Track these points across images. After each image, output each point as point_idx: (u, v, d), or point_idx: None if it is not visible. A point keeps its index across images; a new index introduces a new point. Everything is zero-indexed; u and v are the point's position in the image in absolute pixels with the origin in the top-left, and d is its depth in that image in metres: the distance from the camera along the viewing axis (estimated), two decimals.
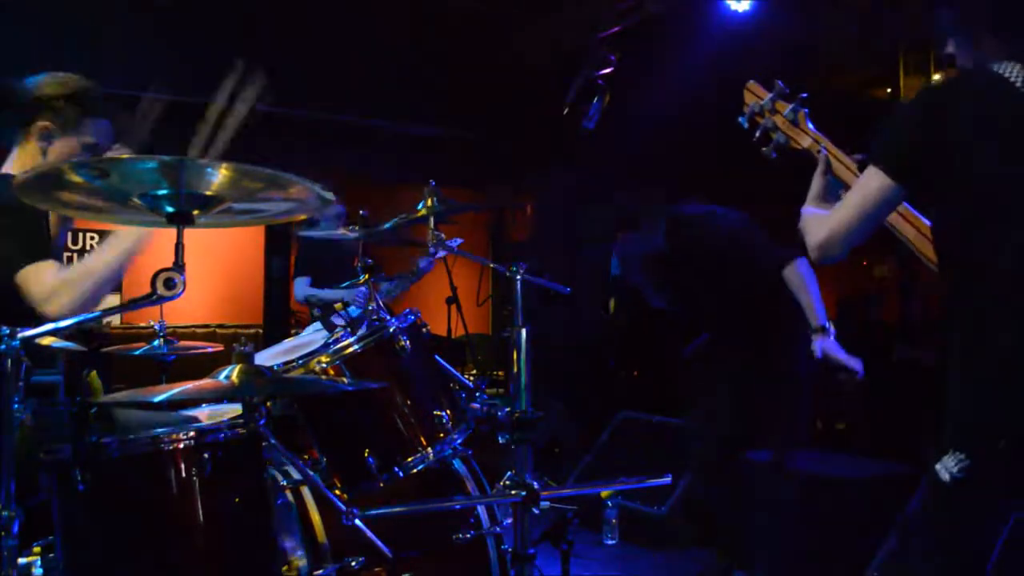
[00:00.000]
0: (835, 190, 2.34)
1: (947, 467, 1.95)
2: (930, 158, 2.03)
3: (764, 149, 2.47)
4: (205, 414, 2.79)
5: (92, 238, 8.53)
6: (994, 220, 2.01)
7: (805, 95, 2.43)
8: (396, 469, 2.49)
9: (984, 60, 2.09)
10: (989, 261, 2.00)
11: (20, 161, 2.61)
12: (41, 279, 2.33)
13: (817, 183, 2.35)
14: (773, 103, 2.45)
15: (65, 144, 2.60)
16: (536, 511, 2.43)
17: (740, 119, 2.52)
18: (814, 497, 3.95)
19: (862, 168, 2.22)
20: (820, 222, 2.19)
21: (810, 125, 2.42)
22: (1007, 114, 2.03)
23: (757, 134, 2.49)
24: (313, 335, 3.20)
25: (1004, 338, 1.96)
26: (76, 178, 1.65)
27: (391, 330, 2.56)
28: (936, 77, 5.92)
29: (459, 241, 4.95)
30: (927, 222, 2.22)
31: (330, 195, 1.78)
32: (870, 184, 2.07)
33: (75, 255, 8.01)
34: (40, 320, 2.23)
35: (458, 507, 2.72)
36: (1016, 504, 2.06)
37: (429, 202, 2.82)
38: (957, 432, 1.99)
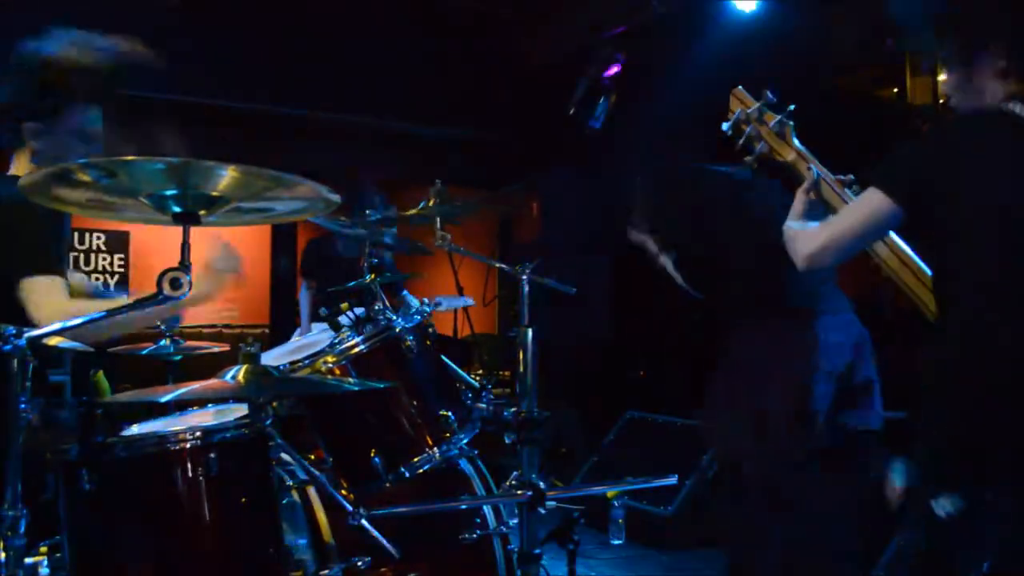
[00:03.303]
0: (818, 210, 2.35)
1: (942, 506, 1.99)
2: (931, 189, 2.06)
3: (747, 158, 2.47)
4: (211, 414, 2.80)
5: (98, 238, 8.54)
6: (979, 255, 2.04)
7: (793, 107, 2.43)
8: (402, 469, 2.49)
9: (984, 98, 2.12)
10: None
11: (20, 164, 2.61)
12: (45, 294, 2.32)
13: (800, 200, 2.36)
14: (760, 113, 2.45)
15: (54, 143, 2.58)
16: (542, 511, 2.43)
17: (724, 125, 2.51)
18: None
19: (852, 187, 2.24)
20: (811, 234, 2.23)
21: (795, 140, 2.42)
22: (1015, 154, 2.06)
23: (740, 142, 2.48)
24: (319, 335, 3.20)
25: (974, 390, 2.00)
26: (84, 177, 1.65)
27: (397, 330, 2.56)
28: (942, 77, 5.91)
29: (470, 301, 5.03)
30: (928, 272, 2.23)
31: (335, 196, 1.78)
32: (871, 203, 2.12)
33: (81, 255, 8.04)
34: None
35: (464, 507, 2.71)
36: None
37: (432, 201, 2.82)
38: (947, 480, 2.03)
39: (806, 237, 2.24)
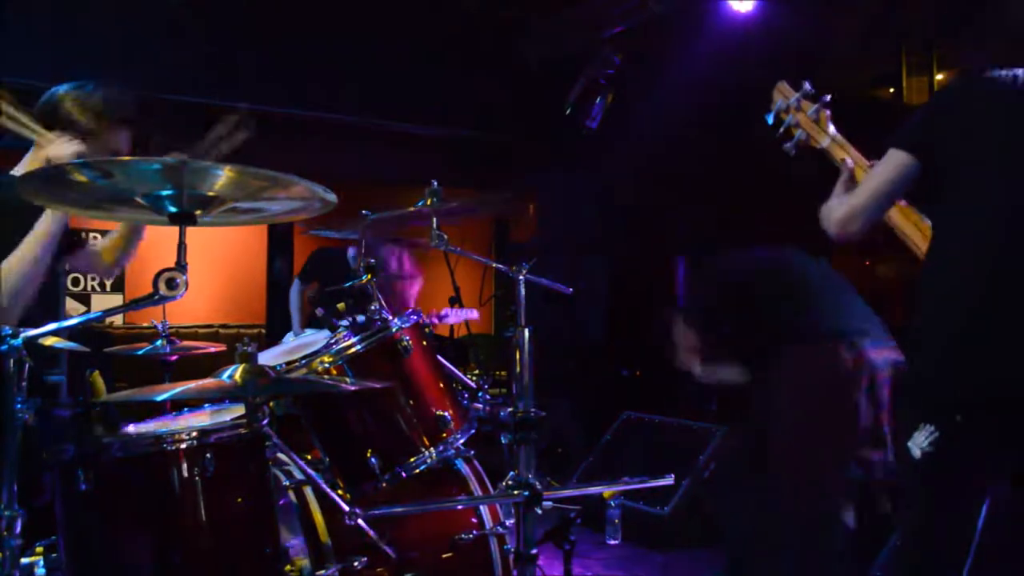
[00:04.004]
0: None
1: (918, 443, 2.06)
2: (940, 138, 2.18)
3: (786, 145, 2.58)
4: (208, 414, 2.80)
5: (95, 237, 8.53)
6: (968, 204, 2.13)
7: (828, 98, 2.55)
8: (399, 469, 2.49)
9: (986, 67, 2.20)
10: (955, 247, 2.14)
11: (32, 164, 2.62)
12: None
13: (839, 190, 2.45)
14: (799, 102, 2.57)
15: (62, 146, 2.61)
16: (538, 511, 2.43)
17: (767, 116, 2.64)
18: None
19: None
20: (840, 203, 2.32)
21: (831, 126, 2.54)
22: (1003, 110, 2.15)
23: (780, 130, 2.61)
24: (316, 335, 3.20)
25: (958, 316, 2.09)
26: (80, 177, 1.65)
27: (394, 330, 2.56)
28: (939, 77, 5.92)
29: (474, 314, 5.05)
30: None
31: (332, 195, 1.79)
32: (889, 161, 2.22)
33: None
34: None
35: (461, 507, 2.72)
36: (993, 480, 2.13)
37: (429, 201, 2.82)
38: (921, 406, 2.11)
39: (837, 205, 2.33)
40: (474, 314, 5.41)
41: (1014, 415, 2.03)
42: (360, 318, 2.72)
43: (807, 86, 2.60)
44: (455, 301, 5.84)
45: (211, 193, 1.69)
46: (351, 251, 5.17)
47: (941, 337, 2.12)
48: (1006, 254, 2.08)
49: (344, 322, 2.69)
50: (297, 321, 5.19)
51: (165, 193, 1.67)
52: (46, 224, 2.44)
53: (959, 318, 2.10)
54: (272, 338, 6.21)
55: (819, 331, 3.22)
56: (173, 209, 1.71)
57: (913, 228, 2.34)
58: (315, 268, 5.40)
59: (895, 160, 2.21)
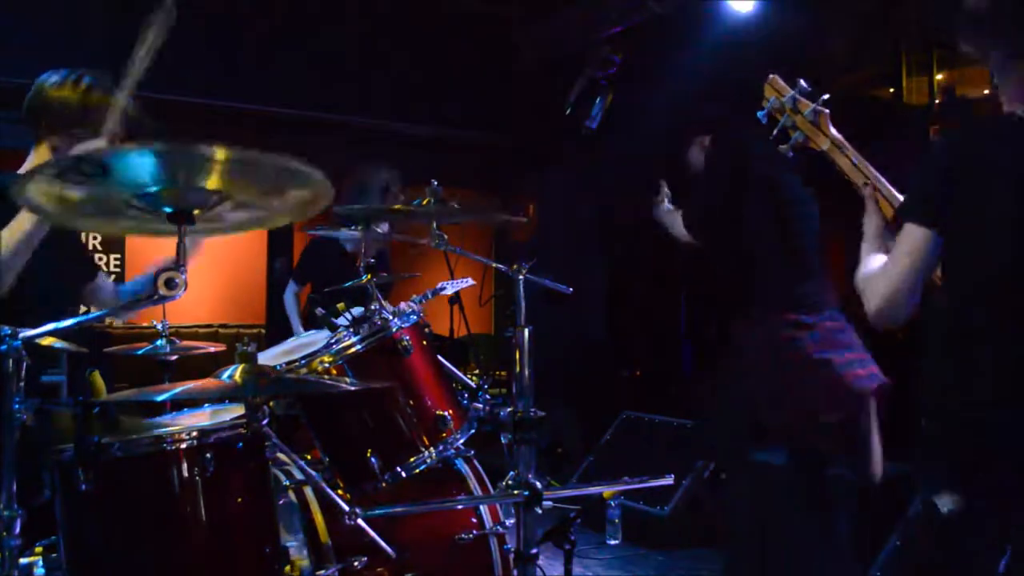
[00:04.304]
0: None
1: (944, 503, 1.99)
2: (953, 202, 2.02)
3: (782, 147, 2.43)
4: (207, 414, 2.79)
5: (95, 238, 8.53)
6: (988, 259, 2.02)
7: (827, 96, 2.41)
8: (399, 469, 2.49)
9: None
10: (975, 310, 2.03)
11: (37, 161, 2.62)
12: None
13: (872, 223, 2.28)
14: (794, 101, 2.42)
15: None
16: (538, 511, 2.42)
17: (759, 113, 2.49)
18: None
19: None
20: (874, 288, 2.13)
21: (831, 128, 2.39)
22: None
23: (775, 131, 2.46)
24: (316, 335, 3.20)
25: (980, 389, 1.99)
26: (75, 177, 1.64)
27: (393, 330, 2.55)
28: (939, 77, 5.91)
29: (470, 282, 5.07)
30: None
31: (332, 196, 1.78)
32: (912, 240, 2.05)
33: None
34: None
35: (461, 507, 2.71)
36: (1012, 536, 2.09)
37: (426, 201, 2.81)
38: (947, 469, 2.04)
39: (871, 292, 2.14)
40: (469, 281, 5.38)
41: None
42: (357, 310, 2.71)
43: (803, 84, 2.44)
44: (455, 301, 5.84)
45: (209, 186, 1.67)
46: (348, 243, 5.10)
47: (958, 413, 2.03)
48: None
49: (343, 320, 2.68)
50: (297, 324, 5.16)
51: (159, 188, 1.65)
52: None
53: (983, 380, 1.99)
54: (272, 338, 6.20)
55: (780, 301, 3.34)
56: (170, 209, 1.70)
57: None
58: (309, 266, 5.34)
59: (916, 238, 2.05)
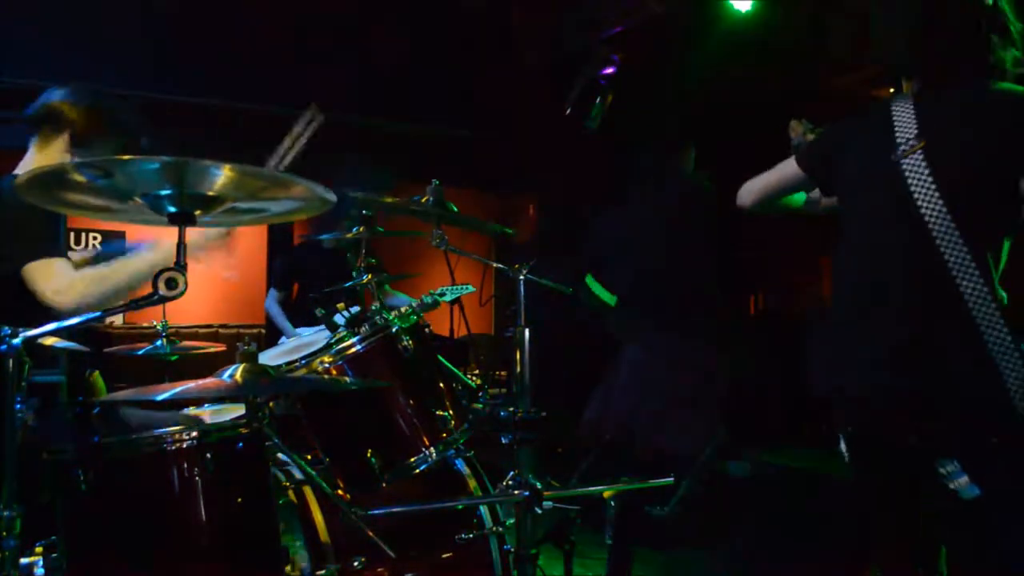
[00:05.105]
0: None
1: (842, 447, 2.26)
2: (826, 166, 2.38)
3: None
4: (208, 414, 2.80)
5: (95, 238, 8.53)
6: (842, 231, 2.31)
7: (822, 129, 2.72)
8: (399, 469, 2.49)
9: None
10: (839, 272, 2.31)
11: (35, 163, 2.62)
12: (53, 272, 2.37)
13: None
14: (804, 136, 2.80)
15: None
16: (539, 511, 2.43)
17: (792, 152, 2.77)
18: (814, 497, 3.95)
19: None
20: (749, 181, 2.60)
21: None
22: (872, 140, 2.26)
23: None
24: (316, 335, 3.20)
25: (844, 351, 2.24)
26: (79, 178, 1.65)
27: (394, 330, 2.56)
28: None
29: (469, 289, 5.12)
30: None
31: (331, 195, 1.78)
32: (786, 164, 2.48)
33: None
34: (43, 316, 2.23)
35: (461, 507, 2.71)
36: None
37: (424, 199, 2.81)
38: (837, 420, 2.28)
39: (745, 185, 2.61)
40: (469, 288, 5.41)
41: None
42: (354, 309, 2.72)
43: (806, 122, 2.83)
44: (455, 301, 5.84)
45: (211, 193, 1.69)
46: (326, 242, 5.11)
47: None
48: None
49: (340, 319, 2.69)
50: (288, 328, 5.16)
51: (164, 193, 1.67)
52: (150, 258, 2.47)
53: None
54: (272, 338, 6.21)
55: None
56: (172, 209, 1.71)
57: None
58: (291, 271, 5.35)
59: (789, 165, 2.47)
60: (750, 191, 2.58)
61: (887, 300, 2.10)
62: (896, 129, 2.17)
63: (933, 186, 2.05)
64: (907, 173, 2.10)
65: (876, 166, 2.18)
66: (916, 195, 2.07)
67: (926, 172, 2.07)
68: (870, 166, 2.22)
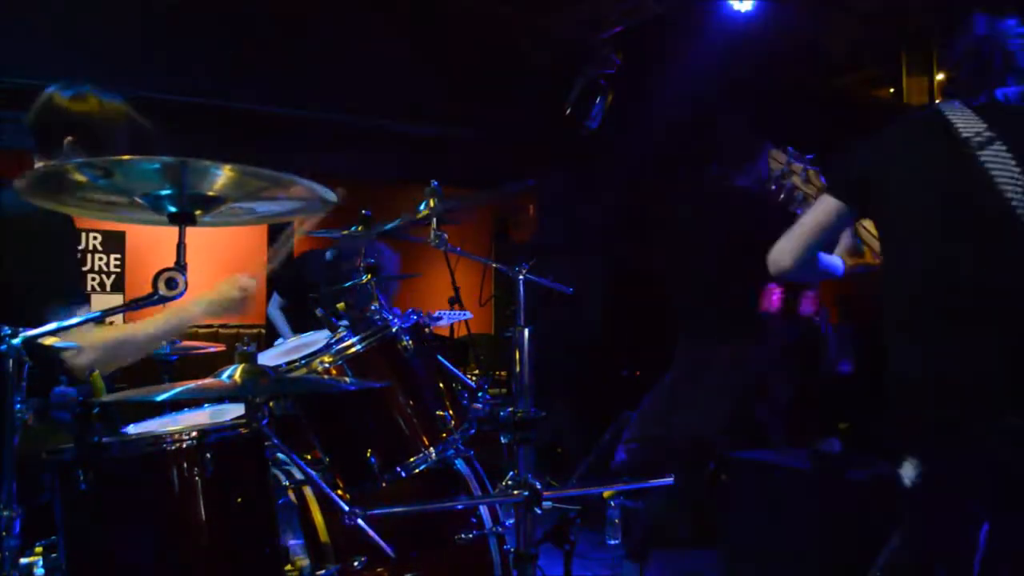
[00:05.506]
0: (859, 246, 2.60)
1: (907, 473, 2.15)
2: (869, 187, 2.29)
3: (791, 207, 2.64)
4: (207, 414, 2.80)
5: (95, 238, 8.53)
6: (900, 243, 2.25)
7: (811, 156, 2.66)
8: (398, 469, 2.49)
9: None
10: (895, 283, 2.24)
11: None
12: (72, 335, 2.31)
13: (844, 241, 2.58)
14: (789, 165, 2.66)
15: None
16: (538, 511, 2.43)
17: (771, 187, 2.71)
18: (816, 497, 3.95)
19: None
20: (778, 243, 2.42)
21: (822, 180, 2.62)
22: (931, 150, 2.23)
23: (782, 195, 2.68)
24: (315, 335, 3.20)
25: (906, 360, 2.18)
26: (79, 177, 1.65)
27: (394, 330, 2.56)
28: (939, 77, 5.92)
29: (468, 315, 5.15)
30: None
31: (332, 195, 1.78)
32: (821, 204, 2.37)
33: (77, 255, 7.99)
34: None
35: (460, 507, 2.71)
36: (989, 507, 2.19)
37: (432, 203, 2.81)
38: (907, 439, 2.19)
39: (775, 245, 2.42)
40: (468, 315, 5.43)
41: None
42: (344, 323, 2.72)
43: (791, 150, 2.69)
44: (455, 301, 5.84)
45: (211, 193, 1.69)
46: (329, 254, 5.16)
47: (898, 383, 2.20)
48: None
49: (344, 322, 2.69)
50: (287, 331, 5.17)
51: (165, 193, 1.67)
52: (165, 321, 2.46)
53: (906, 367, 2.18)
54: (271, 338, 6.21)
55: None
56: (172, 209, 1.71)
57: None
58: (295, 278, 5.37)
59: (825, 204, 2.35)
60: (786, 251, 2.39)
61: (1005, 297, 2.06)
62: (959, 130, 2.15)
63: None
64: (989, 165, 2.08)
65: (942, 169, 2.17)
66: (1003, 186, 2.05)
67: (1012, 162, 2.07)
68: (933, 170, 2.20)
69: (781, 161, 2.68)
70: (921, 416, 2.14)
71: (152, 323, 2.45)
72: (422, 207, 2.82)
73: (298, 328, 5.02)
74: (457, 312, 5.28)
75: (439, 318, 5.27)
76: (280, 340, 5.16)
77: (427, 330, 2.71)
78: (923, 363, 2.14)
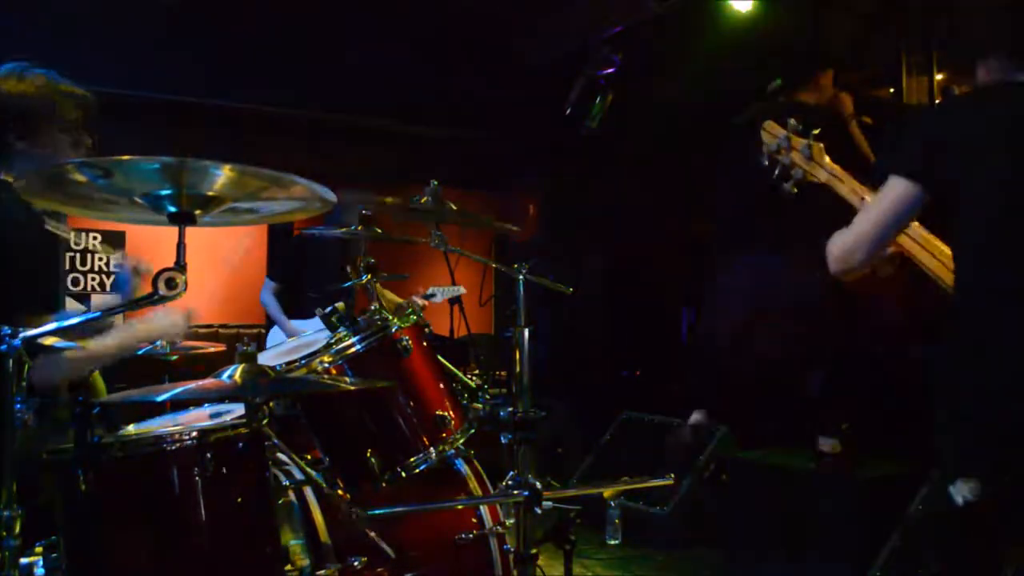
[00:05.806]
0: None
1: (961, 492, 1.97)
2: (943, 158, 2.06)
3: (785, 185, 2.48)
4: (207, 414, 2.79)
5: (95, 238, 8.53)
6: (996, 228, 2.02)
7: (818, 131, 2.47)
8: (398, 469, 2.49)
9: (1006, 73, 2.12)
10: (993, 286, 2.02)
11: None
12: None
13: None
14: (788, 140, 2.48)
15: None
16: (538, 511, 2.43)
17: (761, 159, 2.53)
18: (816, 497, 3.95)
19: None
20: (839, 235, 2.20)
21: (826, 159, 2.44)
22: (1004, 117, 2.06)
23: (776, 172, 2.51)
24: (316, 335, 3.20)
25: (1002, 373, 1.97)
26: (79, 177, 1.65)
27: (393, 330, 2.56)
28: (939, 77, 5.92)
29: (461, 290, 5.12)
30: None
31: (331, 195, 1.78)
32: (892, 189, 2.11)
33: (77, 255, 7.99)
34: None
35: (461, 507, 2.71)
36: None
37: (424, 199, 2.81)
38: (966, 458, 2.01)
39: (836, 239, 2.21)
40: (460, 289, 5.40)
41: None
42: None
43: (792, 122, 2.51)
44: (455, 301, 5.84)
45: (211, 193, 1.69)
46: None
47: (978, 395, 2.00)
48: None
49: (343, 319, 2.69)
50: (284, 321, 5.16)
51: (165, 193, 1.67)
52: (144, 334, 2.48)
53: (1000, 379, 1.97)
54: (270, 327, 6.21)
55: None
56: (172, 209, 1.71)
57: (927, 255, 2.21)
58: (289, 262, 5.35)
59: (896, 188, 2.10)
60: (855, 247, 2.15)
61: None
62: None
63: None
64: None
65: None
66: None
67: None
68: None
69: (776, 135, 2.52)
70: (998, 429, 1.96)
71: (115, 336, 2.46)
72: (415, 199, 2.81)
73: (292, 313, 5.03)
74: (450, 288, 5.26)
75: (432, 295, 5.24)
76: (275, 329, 5.17)
77: (427, 330, 2.71)
78: (1015, 366, 1.95)
